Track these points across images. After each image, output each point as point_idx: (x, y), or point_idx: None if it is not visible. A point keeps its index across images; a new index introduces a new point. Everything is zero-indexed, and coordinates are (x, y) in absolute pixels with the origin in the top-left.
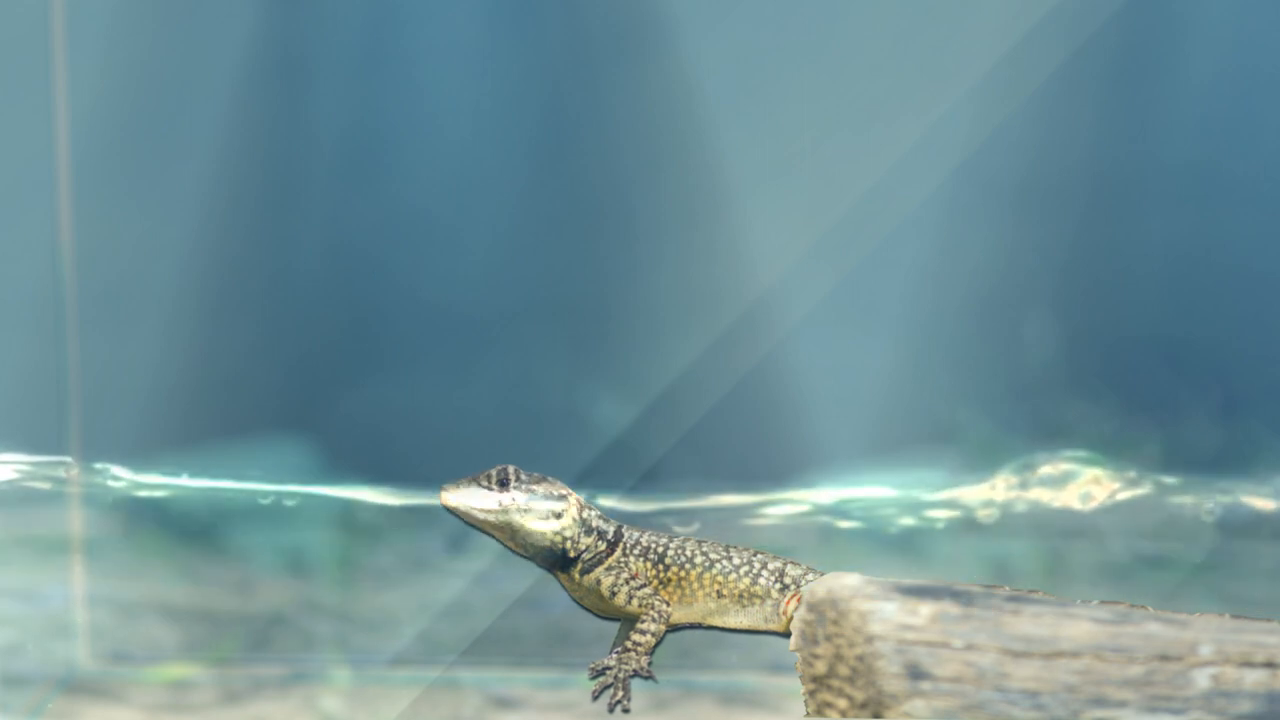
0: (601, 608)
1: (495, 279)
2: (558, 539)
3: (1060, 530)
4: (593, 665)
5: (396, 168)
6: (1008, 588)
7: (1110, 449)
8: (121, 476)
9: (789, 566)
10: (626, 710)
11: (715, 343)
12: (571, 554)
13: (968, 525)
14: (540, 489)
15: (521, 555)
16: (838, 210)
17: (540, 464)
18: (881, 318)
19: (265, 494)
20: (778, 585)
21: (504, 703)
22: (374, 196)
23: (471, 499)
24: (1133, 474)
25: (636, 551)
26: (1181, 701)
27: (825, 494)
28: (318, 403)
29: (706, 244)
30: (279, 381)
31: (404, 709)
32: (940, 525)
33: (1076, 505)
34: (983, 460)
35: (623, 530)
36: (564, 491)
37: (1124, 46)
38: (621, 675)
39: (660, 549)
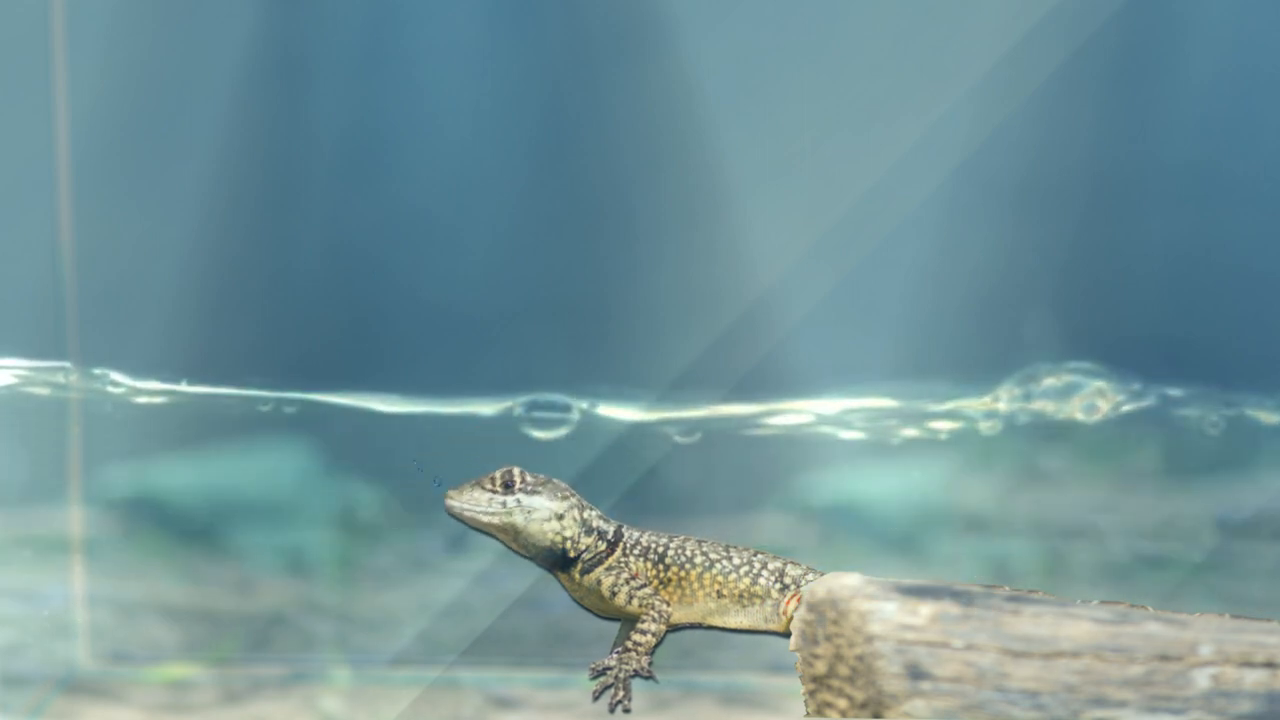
0: (602, 608)
1: (495, 279)
2: (559, 539)
3: (1063, 440)
4: (593, 665)
5: (396, 168)
6: (1008, 588)
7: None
8: (121, 383)
9: (789, 566)
10: (627, 710)
11: (715, 343)
12: (572, 554)
13: (970, 437)
14: (544, 490)
15: (522, 555)
16: (838, 210)
17: (540, 463)
18: (881, 318)
19: (265, 400)
20: (778, 585)
21: (504, 703)
22: (374, 196)
23: (476, 503)
24: (1137, 386)
25: (636, 551)
26: (1181, 701)
27: (828, 404)
28: (317, 403)
29: (706, 244)
30: (279, 381)
31: (404, 709)
32: (943, 437)
33: (1080, 417)
34: (986, 372)
35: (623, 530)
36: (566, 492)
37: (1124, 46)
38: (622, 675)
39: (660, 549)
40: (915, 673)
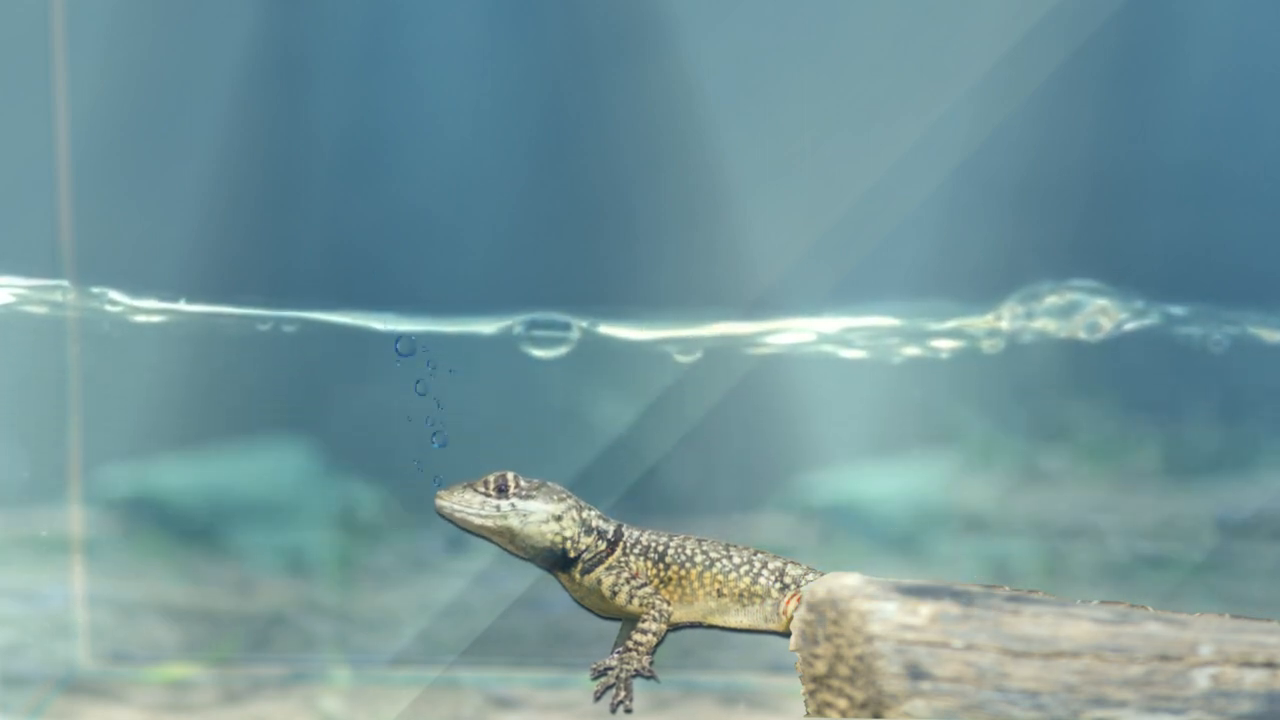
0: (602, 608)
1: (495, 279)
2: (558, 540)
3: (1070, 364)
4: (594, 665)
5: (396, 168)
6: (1008, 588)
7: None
8: (119, 301)
9: (789, 566)
10: (629, 710)
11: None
12: (572, 554)
13: (972, 355)
14: (539, 494)
15: (520, 558)
16: (838, 210)
17: (541, 466)
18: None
19: (264, 319)
20: (778, 585)
21: (504, 703)
22: (374, 196)
23: (469, 505)
24: (1140, 304)
25: (636, 551)
26: (1181, 701)
27: (829, 323)
28: (318, 402)
29: (706, 244)
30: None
31: (404, 709)
32: (945, 356)
33: (1083, 336)
34: (989, 289)
35: (623, 529)
36: (562, 494)
37: (1124, 46)
38: (624, 675)
39: (660, 548)
40: (915, 673)
